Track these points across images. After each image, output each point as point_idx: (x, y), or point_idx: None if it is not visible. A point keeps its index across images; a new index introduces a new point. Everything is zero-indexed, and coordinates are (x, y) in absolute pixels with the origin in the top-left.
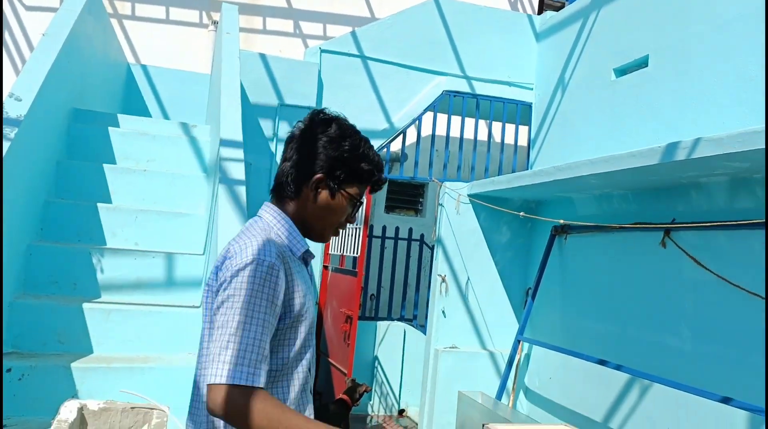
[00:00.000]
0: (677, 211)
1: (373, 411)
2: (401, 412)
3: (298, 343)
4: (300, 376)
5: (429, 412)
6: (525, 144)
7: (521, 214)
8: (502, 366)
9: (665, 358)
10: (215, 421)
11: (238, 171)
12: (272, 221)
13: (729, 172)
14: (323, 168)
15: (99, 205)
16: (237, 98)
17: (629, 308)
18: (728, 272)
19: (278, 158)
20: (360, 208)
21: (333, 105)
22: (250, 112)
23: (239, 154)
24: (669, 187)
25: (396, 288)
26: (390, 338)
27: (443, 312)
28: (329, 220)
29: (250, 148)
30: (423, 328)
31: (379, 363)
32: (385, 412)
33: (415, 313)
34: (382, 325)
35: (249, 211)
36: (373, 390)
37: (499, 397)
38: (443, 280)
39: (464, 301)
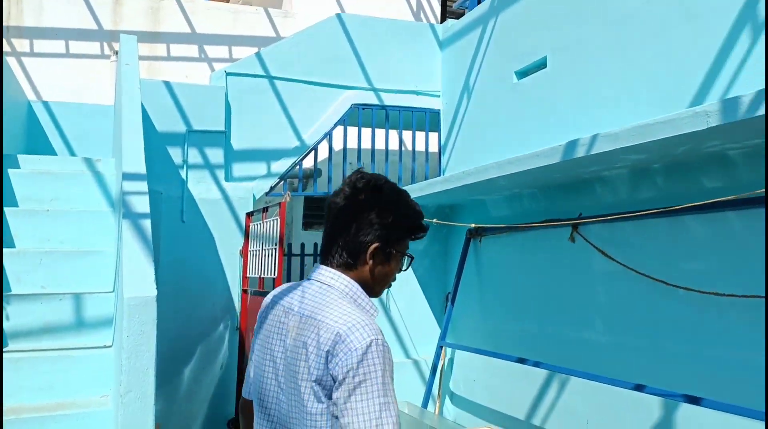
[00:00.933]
0: (584, 206)
1: None
2: None
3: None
4: None
5: None
6: (436, 150)
7: (434, 220)
8: (427, 373)
9: (581, 351)
10: None
11: (141, 204)
12: (347, 290)
13: (628, 165)
14: (380, 237)
15: None
16: (138, 129)
17: (545, 305)
18: (635, 262)
19: (189, 185)
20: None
21: (242, 127)
22: (158, 141)
23: (143, 186)
24: (575, 183)
25: None
26: None
27: None
28: (388, 280)
29: (159, 177)
30: None
31: None
32: None
33: None
34: None
35: (161, 242)
36: None
37: (425, 405)
38: None
39: (386, 311)
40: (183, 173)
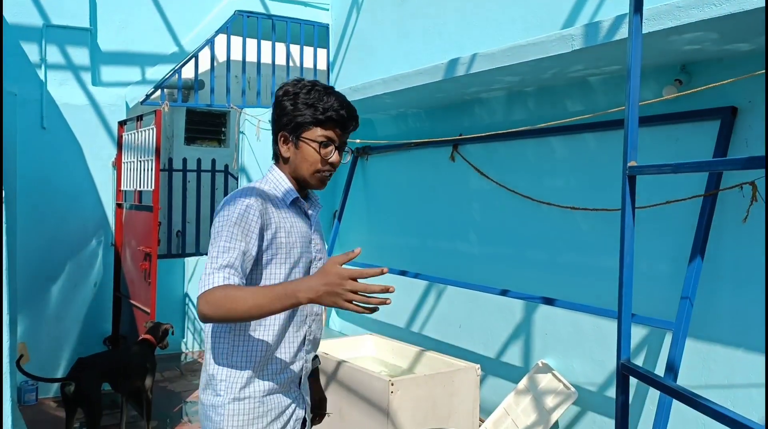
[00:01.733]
0: (464, 127)
1: (187, 348)
2: None
3: (280, 276)
4: (284, 312)
5: None
6: (324, 68)
7: None
8: None
9: (457, 262)
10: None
11: None
12: (269, 177)
13: (505, 87)
14: (283, 126)
15: None
16: None
17: (426, 220)
18: (506, 180)
19: (50, 88)
20: (333, 150)
21: (110, 26)
22: (9, 34)
23: None
24: (456, 104)
25: (203, 222)
26: (200, 274)
27: None
28: (305, 168)
29: (12, 76)
30: None
31: (190, 300)
32: (201, 348)
33: None
34: (190, 261)
35: (17, 150)
36: (185, 327)
37: None
38: None
39: None
40: (41, 74)
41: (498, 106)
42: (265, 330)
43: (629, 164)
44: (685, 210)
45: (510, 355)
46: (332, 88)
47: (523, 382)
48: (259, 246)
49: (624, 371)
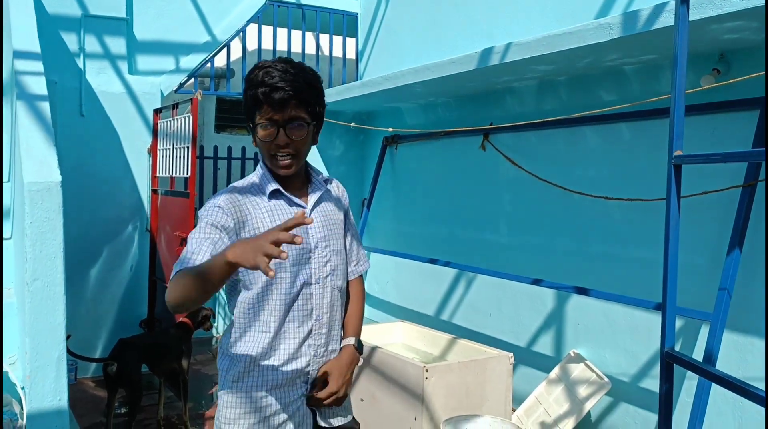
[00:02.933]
0: (494, 116)
1: (218, 332)
2: None
3: (263, 277)
4: (279, 298)
5: None
6: (353, 57)
7: (352, 124)
8: None
9: (487, 250)
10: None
11: (38, 85)
12: (256, 170)
13: (537, 76)
14: (245, 114)
15: None
16: (29, 4)
17: (455, 209)
18: (537, 169)
19: (88, 76)
20: (276, 131)
21: (146, 16)
22: (49, 24)
23: (38, 66)
24: (487, 93)
25: None
26: None
27: None
28: (265, 156)
29: (52, 65)
30: None
31: None
32: None
33: None
34: None
35: (57, 137)
36: (216, 311)
37: None
38: None
39: None
40: (80, 63)
41: (530, 96)
42: (262, 324)
43: (675, 153)
44: (723, 201)
45: (541, 344)
46: (279, 60)
47: (555, 372)
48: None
49: (668, 359)
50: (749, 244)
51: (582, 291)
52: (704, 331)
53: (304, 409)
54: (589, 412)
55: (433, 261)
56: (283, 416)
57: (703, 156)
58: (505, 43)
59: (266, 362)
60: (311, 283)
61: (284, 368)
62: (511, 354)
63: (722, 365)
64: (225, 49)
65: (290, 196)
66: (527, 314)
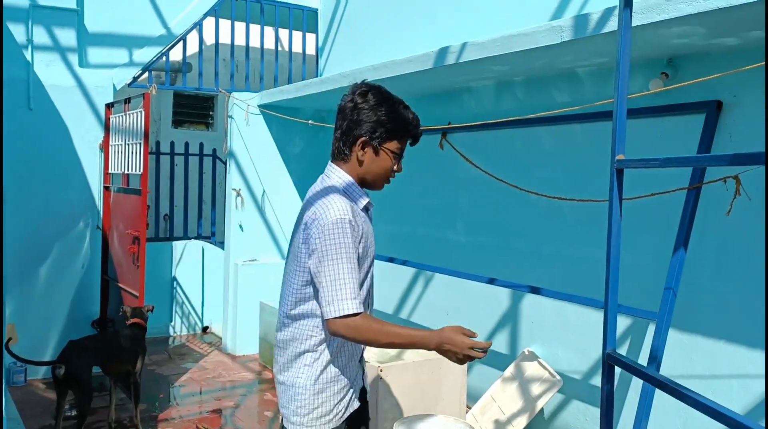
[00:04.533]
0: (453, 115)
1: (175, 332)
2: (205, 329)
3: (362, 276)
4: (364, 302)
5: (232, 325)
6: (314, 53)
7: (309, 122)
8: None
9: (445, 250)
10: (309, 342)
11: None
12: (339, 181)
13: (494, 76)
14: (366, 133)
15: None
16: None
17: (414, 208)
18: (494, 168)
19: (36, 69)
20: (400, 161)
21: (97, 7)
22: None
23: None
24: (445, 91)
25: (191, 206)
26: (188, 257)
27: (240, 226)
28: (378, 173)
29: None
30: (222, 244)
31: (179, 283)
32: (188, 331)
33: (213, 230)
34: (178, 245)
35: (3, 128)
36: (173, 311)
37: None
38: (238, 194)
39: (261, 213)
40: (28, 54)
41: (487, 96)
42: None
43: (617, 158)
44: (670, 202)
45: (496, 343)
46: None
47: (510, 370)
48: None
49: (610, 361)
50: (694, 244)
51: (535, 290)
52: (652, 330)
53: (359, 382)
54: (542, 409)
55: (391, 260)
56: (352, 390)
57: (643, 161)
58: (461, 43)
59: (348, 357)
60: (372, 287)
61: (357, 356)
62: None
63: (668, 363)
64: (181, 43)
65: (371, 209)
66: (483, 313)
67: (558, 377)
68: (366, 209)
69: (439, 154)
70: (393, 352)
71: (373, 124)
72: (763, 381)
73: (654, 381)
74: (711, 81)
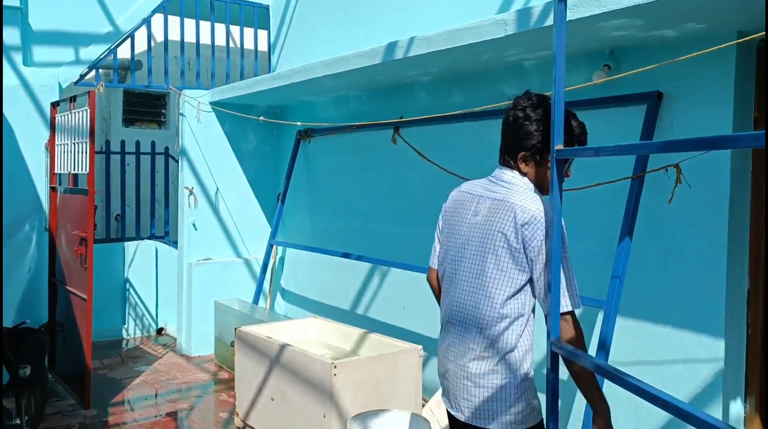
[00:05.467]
0: (405, 109)
1: (128, 334)
2: (160, 330)
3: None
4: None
5: (187, 325)
6: (266, 49)
7: (260, 118)
8: (258, 271)
9: (399, 244)
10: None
11: None
12: (519, 184)
13: (443, 70)
14: (522, 147)
15: None
16: None
17: (369, 202)
18: (446, 162)
19: None
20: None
21: (42, 4)
22: None
23: None
24: (397, 86)
25: (143, 205)
26: (141, 258)
27: (194, 225)
28: (542, 182)
29: None
30: (175, 244)
31: (131, 285)
32: (142, 334)
33: (166, 230)
34: (130, 245)
35: None
36: (126, 313)
37: (256, 301)
38: (191, 193)
39: (215, 212)
40: None
41: (437, 89)
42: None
43: (556, 148)
44: (615, 192)
45: None
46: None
47: None
48: None
49: (554, 349)
50: (639, 232)
51: None
52: (600, 318)
53: None
54: None
55: (346, 255)
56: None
57: (580, 150)
58: (409, 38)
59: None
60: None
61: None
62: (420, 347)
63: (617, 350)
64: (129, 40)
65: None
66: (438, 306)
67: None
68: None
69: (393, 149)
70: (348, 348)
71: (533, 138)
72: (708, 365)
73: (596, 367)
74: (652, 72)
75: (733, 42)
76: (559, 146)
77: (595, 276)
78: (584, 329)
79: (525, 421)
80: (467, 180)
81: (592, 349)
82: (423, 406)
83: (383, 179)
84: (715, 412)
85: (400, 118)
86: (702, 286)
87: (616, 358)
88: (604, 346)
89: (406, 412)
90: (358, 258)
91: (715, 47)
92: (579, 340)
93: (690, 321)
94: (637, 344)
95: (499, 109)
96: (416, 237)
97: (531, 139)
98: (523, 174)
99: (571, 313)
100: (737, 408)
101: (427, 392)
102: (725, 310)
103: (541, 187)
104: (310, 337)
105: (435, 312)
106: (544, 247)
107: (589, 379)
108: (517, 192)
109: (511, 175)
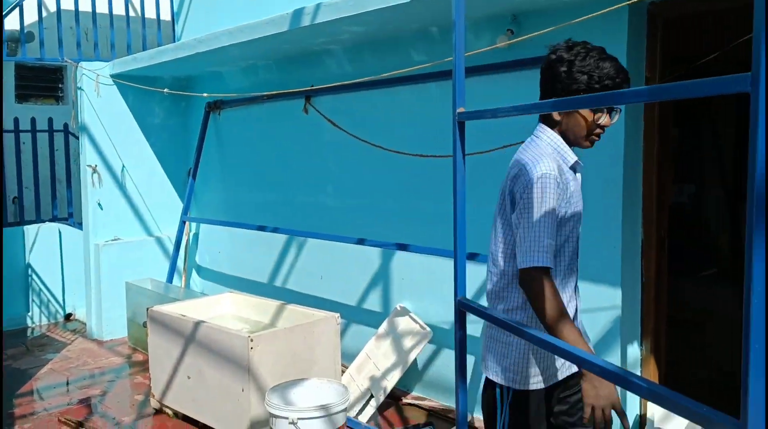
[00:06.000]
0: (315, 78)
1: (33, 322)
2: (68, 316)
3: (566, 232)
4: (567, 256)
5: (97, 309)
6: (169, 18)
7: (165, 90)
8: (171, 250)
9: (315, 214)
10: (520, 299)
11: None
12: (546, 140)
13: (352, 37)
14: (553, 93)
15: None
16: None
17: (283, 174)
18: (358, 130)
19: None
20: (605, 113)
21: None
22: None
23: None
24: (306, 54)
25: (43, 186)
26: (43, 242)
27: (99, 204)
28: (578, 132)
29: None
30: (80, 225)
31: (34, 270)
32: (49, 321)
33: (70, 211)
34: (30, 229)
35: None
36: (30, 299)
37: (170, 280)
38: (94, 171)
39: (122, 190)
40: None
41: (347, 57)
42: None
43: (458, 111)
44: None
45: (370, 301)
46: (605, 50)
47: (383, 327)
48: (560, 209)
49: (461, 307)
50: None
51: (403, 247)
52: None
53: None
54: (415, 360)
55: (261, 228)
56: None
57: (479, 112)
58: (315, 4)
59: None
60: (578, 239)
61: (570, 308)
62: (337, 314)
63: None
64: (17, 10)
65: (579, 167)
66: (356, 274)
67: (428, 329)
68: (573, 169)
69: (305, 119)
70: (265, 321)
71: (563, 82)
72: (607, 312)
73: (500, 323)
74: (552, 36)
75: (624, 3)
76: (461, 109)
77: None
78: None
79: (513, 381)
80: (380, 148)
81: None
82: (343, 372)
83: (296, 150)
84: (614, 356)
85: (311, 86)
86: (600, 239)
87: None
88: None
89: (324, 379)
90: (274, 230)
91: (607, 9)
92: (531, 299)
93: (589, 272)
94: None
95: (410, 76)
96: (331, 207)
97: (560, 82)
98: (555, 124)
99: (525, 271)
100: (634, 351)
101: (348, 358)
102: (621, 260)
103: (572, 140)
104: (227, 312)
105: (352, 280)
106: (525, 204)
107: (554, 333)
108: (530, 148)
109: (539, 130)
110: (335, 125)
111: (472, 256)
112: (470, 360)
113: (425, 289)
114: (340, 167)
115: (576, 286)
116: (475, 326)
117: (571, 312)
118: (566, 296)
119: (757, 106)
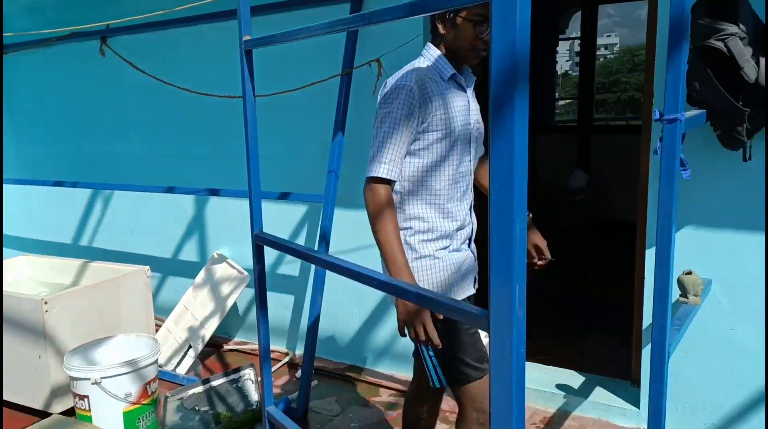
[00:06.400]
0: (111, 16)
1: None
2: None
3: (441, 148)
4: (448, 175)
5: None
6: None
7: None
8: None
9: (120, 165)
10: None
11: None
12: (426, 55)
13: None
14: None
15: None
16: None
17: (80, 124)
18: (163, 72)
19: None
20: (484, 26)
21: None
22: None
23: None
24: None
25: None
26: None
27: None
28: (461, 46)
29: None
30: None
31: None
32: None
33: None
34: None
35: None
36: None
37: None
38: None
39: None
40: None
41: None
42: (431, 194)
43: (244, 39)
44: (330, 90)
45: (187, 252)
46: None
47: (200, 276)
48: (421, 122)
49: (258, 242)
50: (352, 126)
51: (215, 192)
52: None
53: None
54: (234, 305)
55: (59, 183)
56: (462, 272)
57: (269, 38)
58: None
59: (447, 228)
60: (470, 161)
61: (460, 233)
62: (147, 267)
63: (341, 239)
64: None
65: (461, 82)
66: (169, 225)
67: (245, 273)
68: (459, 84)
69: (102, 62)
70: (67, 281)
71: None
72: None
73: (297, 253)
74: None
75: None
76: (247, 37)
77: (317, 173)
78: (313, 224)
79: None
80: (186, 90)
81: (315, 242)
82: (160, 327)
83: (95, 96)
84: None
85: (107, 26)
86: None
87: (340, 247)
88: (324, 237)
89: (132, 334)
90: (74, 185)
91: None
92: (367, 209)
93: None
94: (356, 233)
95: (214, 12)
96: (137, 155)
97: None
98: (441, 40)
99: (367, 181)
100: None
101: (164, 312)
102: None
103: (459, 56)
104: (23, 277)
105: (165, 231)
106: (377, 116)
107: (378, 244)
108: (409, 65)
109: (425, 49)
110: (135, 68)
111: (285, 196)
112: (281, 298)
113: (241, 233)
114: (144, 113)
115: (471, 210)
116: (293, 265)
117: (464, 236)
118: (452, 220)
119: None
